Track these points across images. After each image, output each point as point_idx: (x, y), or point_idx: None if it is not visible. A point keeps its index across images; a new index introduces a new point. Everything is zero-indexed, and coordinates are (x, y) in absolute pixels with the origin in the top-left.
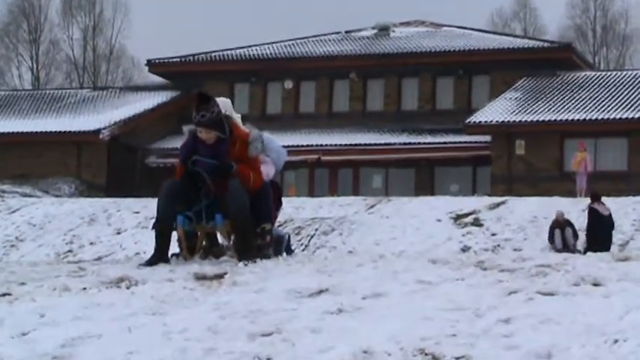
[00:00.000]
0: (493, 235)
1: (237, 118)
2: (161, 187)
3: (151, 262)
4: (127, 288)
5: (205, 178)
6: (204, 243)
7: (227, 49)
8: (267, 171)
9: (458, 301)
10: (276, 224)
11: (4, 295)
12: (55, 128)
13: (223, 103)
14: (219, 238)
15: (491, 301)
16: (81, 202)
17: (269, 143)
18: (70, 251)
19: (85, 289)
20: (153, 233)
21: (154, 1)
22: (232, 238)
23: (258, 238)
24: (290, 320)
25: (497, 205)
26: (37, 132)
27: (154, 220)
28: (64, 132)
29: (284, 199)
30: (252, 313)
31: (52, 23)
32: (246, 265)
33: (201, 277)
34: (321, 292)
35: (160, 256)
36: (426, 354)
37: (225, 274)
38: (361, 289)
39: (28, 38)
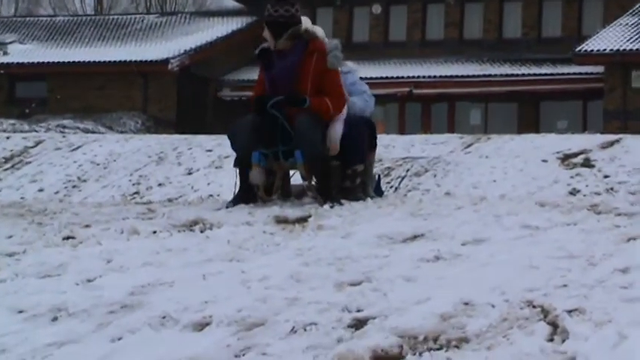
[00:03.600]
0: (606, 177)
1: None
2: (238, 121)
3: (238, 200)
4: (201, 232)
5: (280, 117)
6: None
7: None
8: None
9: (569, 248)
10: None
11: (67, 238)
12: (119, 58)
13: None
14: (300, 179)
15: (606, 249)
16: (148, 139)
17: (350, 81)
18: (137, 193)
19: (155, 232)
20: (235, 171)
21: None
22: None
23: (347, 181)
24: (381, 268)
25: (611, 143)
26: (99, 62)
27: (234, 157)
28: (129, 62)
29: None
30: (340, 260)
31: None
32: (332, 207)
33: (282, 221)
34: (415, 237)
35: (248, 194)
36: (534, 306)
37: (309, 217)
38: (460, 234)
39: None
